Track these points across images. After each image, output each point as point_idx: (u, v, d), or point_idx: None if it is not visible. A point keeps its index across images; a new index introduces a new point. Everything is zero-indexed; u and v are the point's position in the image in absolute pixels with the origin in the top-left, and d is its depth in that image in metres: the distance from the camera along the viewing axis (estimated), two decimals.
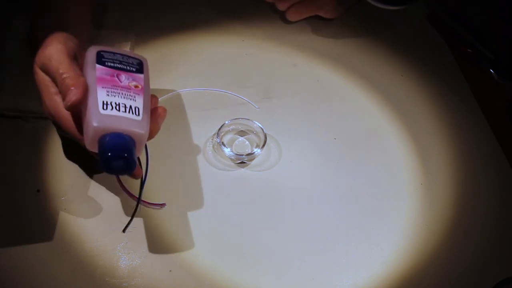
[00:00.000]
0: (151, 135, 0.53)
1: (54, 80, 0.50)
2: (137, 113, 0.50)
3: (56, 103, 0.50)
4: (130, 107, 0.50)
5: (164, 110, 0.54)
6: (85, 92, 0.48)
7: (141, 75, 0.54)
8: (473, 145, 0.66)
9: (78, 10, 0.60)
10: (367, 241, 0.57)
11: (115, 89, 0.51)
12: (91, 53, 0.53)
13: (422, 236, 0.58)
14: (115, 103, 0.49)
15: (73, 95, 0.47)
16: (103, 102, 0.49)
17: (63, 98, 0.48)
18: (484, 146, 0.66)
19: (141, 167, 0.60)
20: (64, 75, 0.48)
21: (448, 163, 0.64)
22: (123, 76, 0.52)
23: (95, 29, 0.70)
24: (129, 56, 0.55)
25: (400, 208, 0.60)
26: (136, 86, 0.52)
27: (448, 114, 0.69)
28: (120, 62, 0.54)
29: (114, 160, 0.47)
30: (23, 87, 0.61)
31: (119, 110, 0.49)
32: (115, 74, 0.52)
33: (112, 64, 0.53)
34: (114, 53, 0.54)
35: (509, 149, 0.66)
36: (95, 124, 0.47)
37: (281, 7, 0.74)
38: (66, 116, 0.50)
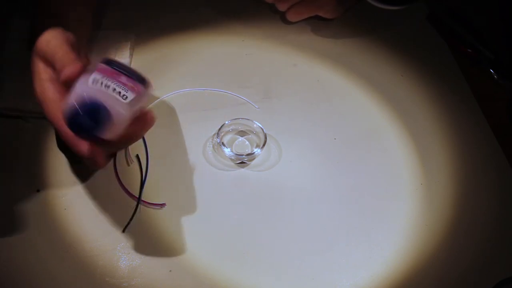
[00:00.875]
0: (133, 136, 0.51)
1: (52, 61, 0.50)
2: (124, 98, 0.48)
3: (44, 88, 0.50)
4: (119, 92, 0.48)
5: (153, 118, 0.52)
6: (82, 68, 0.48)
7: (141, 86, 0.52)
8: (473, 145, 0.66)
9: (79, 11, 0.60)
10: (367, 241, 0.57)
11: (111, 78, 0.50)
12: (99, 60, 0.53)
13: (422, 236, 0.58)
14: (106, 84, 0.48)
15: (69, 70, 0.48)
16: (93, 79, 0.48)
17: (60, 75, 0.48)
18: (484, 146, 0.66)
19: (141, 167, 0.60)
20: (61, 54, 0.49)
21: (448, 163, 0.64)
22: (123, 77, 0.52)
23: (95, 29, 0.70)
24: (135, 71, 0.54)
25: (400, 208, 0.60)
26: (132, 88, 0.51)
27: (448, 114, 0.69)
28: (126, 70, 0.53)
29: (81, 115, 0.46)
30: (23, 87, 0.61)
31: (107, 88, 0.48)
32: (116, 72, 0.51)
33: (117, 68, 0.52)
34: (123, 64, 0.54)
35: (509, 149, 0.66)
36: (78, 91, 0.46)
37: (281, 7, 0.74)
38: (51, 100, 0.50)
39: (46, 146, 0.61)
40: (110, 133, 0.48)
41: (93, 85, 0.47)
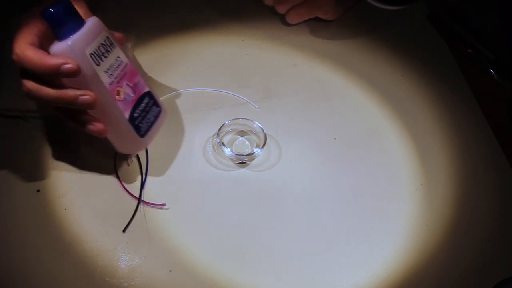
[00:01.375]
0: (66, 94, 0.51)
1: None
2: (95, 58, 0.52)
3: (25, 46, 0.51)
4: (100, 57, 0.52)
5: (86, 102, 0.51)
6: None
7: (137, 94, 0.57)
8: (473, 145, 0.66)
9: None
10: (367, 241, 0.57)
11: (119, 58, 0.55)
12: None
13: (422, 236, 0.58)
14: (105, 43, 0.53)
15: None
16: (105, 36, 0.53)
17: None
18: (484, 146, 0.66)
19: (141, 167, 0.60)
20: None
21: (448, 163, 0.64)
22: (134, 78, 0.56)
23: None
24: (156, 98, 0.59)
25: (400, 208, 0.60)
26: (118, 92, 0.54)
27: (448, 114, 0.69)
28: (144, 111, 0.57)
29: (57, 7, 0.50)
30: (14, 85, 0.61)
31: (100, 41, 0.52)
32: (134, 74, 0.56)
33: (142, 86, 0.57)
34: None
35: (509, 149, 0.66)
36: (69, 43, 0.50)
37: (281, 10, 0.74)
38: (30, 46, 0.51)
39: (46, 146, 0.61)
40: (58, 47, 0.50)
41: (97, 27, 0.52)
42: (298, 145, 0.64)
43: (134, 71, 0.56)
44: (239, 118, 0.63)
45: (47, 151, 0.60)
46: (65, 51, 0.49)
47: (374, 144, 0.65)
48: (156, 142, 0.62)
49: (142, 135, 0.57)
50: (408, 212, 0.59)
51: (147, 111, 0.57)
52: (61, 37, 0.50)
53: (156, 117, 0.59)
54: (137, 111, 0.56)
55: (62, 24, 0.50)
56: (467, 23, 0.76)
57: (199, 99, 0.67)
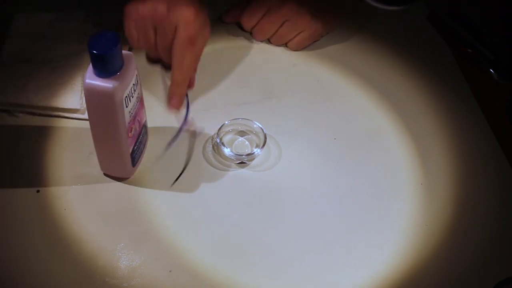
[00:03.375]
0: None
1: None
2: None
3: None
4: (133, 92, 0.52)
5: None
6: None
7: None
8: (473, 145, 0.66)
9: None
10: (367, 241, 0.57)
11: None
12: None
13: (422, 236, 0.58)
14: (131, 96, 0.52)
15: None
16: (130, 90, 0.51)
17: None
18: (484, 146, 0.66)
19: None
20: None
21: (448, 163, 0.64)
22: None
23: (95, 29, 0.70)
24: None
25: (400, 208, 0.60)
26: (131, 130, 0.54)
27: (448, 114, 0.69)
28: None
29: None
30: (8, 79, 0.61)
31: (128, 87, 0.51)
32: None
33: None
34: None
35: (509, 149, 0.66)
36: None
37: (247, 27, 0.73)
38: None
39: (45, 146, 0.61)
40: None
41: (133, 68, 0.51)
42: (298, 145, 0.64)
43: (142, 103, 0.56)
44: (239, 118, 0.63)
45: (47, 151, 0.60)
46: (107, 91, 0.48)
47: (374, 144, 0.65)
48: (156, 143, 0.62)
49: (134, 166, 0.58)
50: (408, 212, 0.59)
51: (142, 142, 0.59)
52: (101, 74, 0.48)
53: (145, 145, 0.61)
54: (137, 144, 0.57)
55: (107, 64, 0.47)
56: (467, 23, 0.76)
57: (199, 99, 0.67)
